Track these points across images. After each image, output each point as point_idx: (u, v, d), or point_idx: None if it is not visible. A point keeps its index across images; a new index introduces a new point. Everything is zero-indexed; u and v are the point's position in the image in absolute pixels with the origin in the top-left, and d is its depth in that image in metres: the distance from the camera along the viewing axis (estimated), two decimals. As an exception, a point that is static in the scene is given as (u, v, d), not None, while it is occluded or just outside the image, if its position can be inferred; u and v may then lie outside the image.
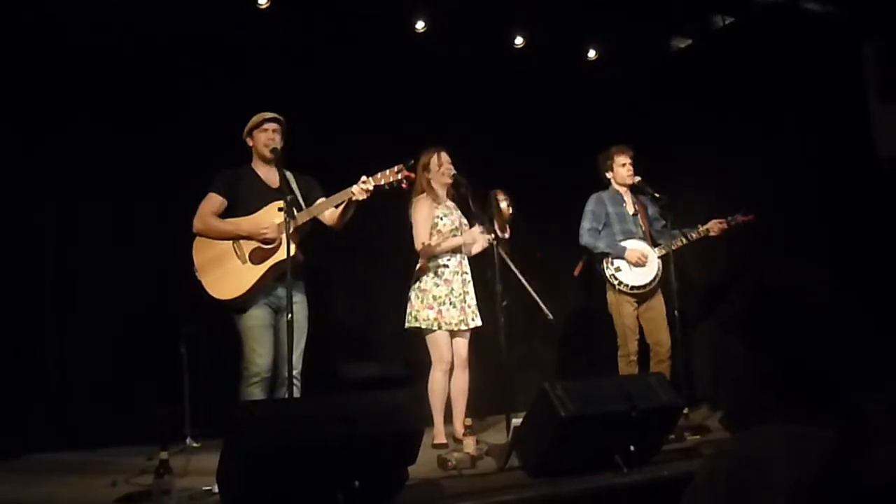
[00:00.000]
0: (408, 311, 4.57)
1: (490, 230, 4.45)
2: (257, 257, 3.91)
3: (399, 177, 3.78)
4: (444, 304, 4.51)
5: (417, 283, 4.56)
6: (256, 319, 3.89)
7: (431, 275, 4.54)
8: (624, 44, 6.27)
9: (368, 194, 3.80)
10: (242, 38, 5.38)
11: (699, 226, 5.13)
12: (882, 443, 1.09)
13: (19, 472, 4.25)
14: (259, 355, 3.85)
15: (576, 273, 5.34)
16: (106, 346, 5.12)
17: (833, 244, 5.03)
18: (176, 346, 4.79)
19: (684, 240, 5.07)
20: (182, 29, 5.16)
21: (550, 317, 4.56)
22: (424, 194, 4.61)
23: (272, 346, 3.90)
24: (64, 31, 4.97)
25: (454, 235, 4.58)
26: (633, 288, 5.00)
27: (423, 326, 4.51)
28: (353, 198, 3.81)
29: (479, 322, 4.60)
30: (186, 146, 5.14)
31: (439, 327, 4.49)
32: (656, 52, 6.43)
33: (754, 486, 1.12)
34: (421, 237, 4.52)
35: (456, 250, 4.60)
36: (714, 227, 5.11)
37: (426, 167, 4.64)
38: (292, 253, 3.66)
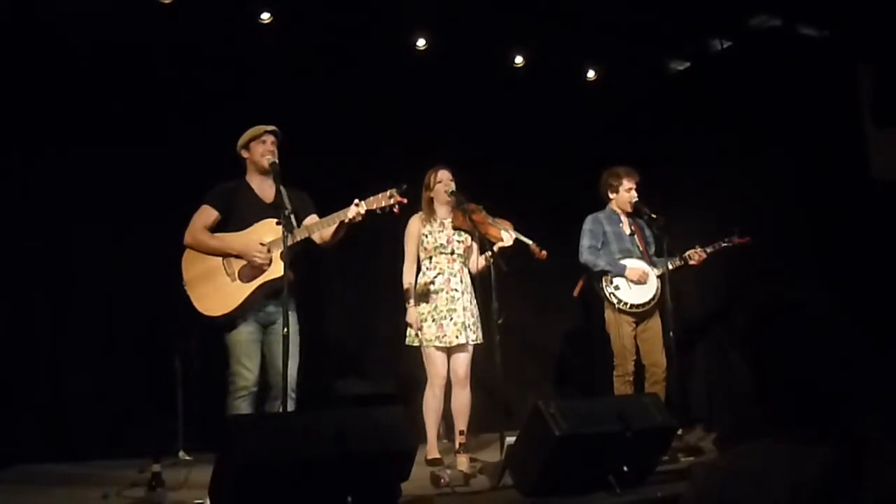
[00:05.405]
0: None
1: (488, 248, 4.45)
2: (247, 275, 3.88)
3: (391, 202, 3.75)
4: (427, 320, 4.58)
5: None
6: (245, 334, 3.88)
7: (419, 293, 4.65)
8: (623, 65, 6.31)
9: (361, 217, 3.80)
10: (242, 53, 5.41)
11: (697, 246, 5.11)
12: (877, 462, 1.09)
13: (8, 482, 4.22)
14: (247, 369, 3.84)
15: (576, 293, 5.31)
16: (99, 359, 5.10)
17: (830, 265, 5.05)
18: (169, 359, 4.77)
19: (679, 261, 5.08)
20: (182, 43, 5.19)
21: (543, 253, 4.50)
22: (419, 213, 4.70)
23: (258, 360, 3.89)
24: (59, 47, 4.99)
25: (441, 253, 4.65)
26: (632, 306, 5.00)
27: (406, 342, 4.64)
28: (347, 220, 3.81)
29: (462, 340, 4.56)
30: (181, 160, 5.14)
31: (420, 344, 4.57)
32: (655, 74, 6.47)
33: (748, 502, 1.12)
34: (406, 257, 4.70)
35: (444, 268, 4.63)
36: (694, 255, 5.08)
37: (427, 185, 4.73)
38: (286, 270, 3.67)
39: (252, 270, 3.88)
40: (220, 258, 3.92)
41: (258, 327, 3.92)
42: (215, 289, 3.87)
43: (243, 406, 3.81)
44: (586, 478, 3.33)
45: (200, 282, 3.89)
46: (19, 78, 4.90)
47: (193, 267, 3.93)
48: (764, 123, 5.61)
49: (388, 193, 3.77)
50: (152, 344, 5.02)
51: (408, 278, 4.67)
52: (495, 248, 4.44)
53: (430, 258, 4.68)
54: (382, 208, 3.78)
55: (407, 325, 4.64)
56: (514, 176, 6.17)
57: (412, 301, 4.61)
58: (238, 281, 3.88)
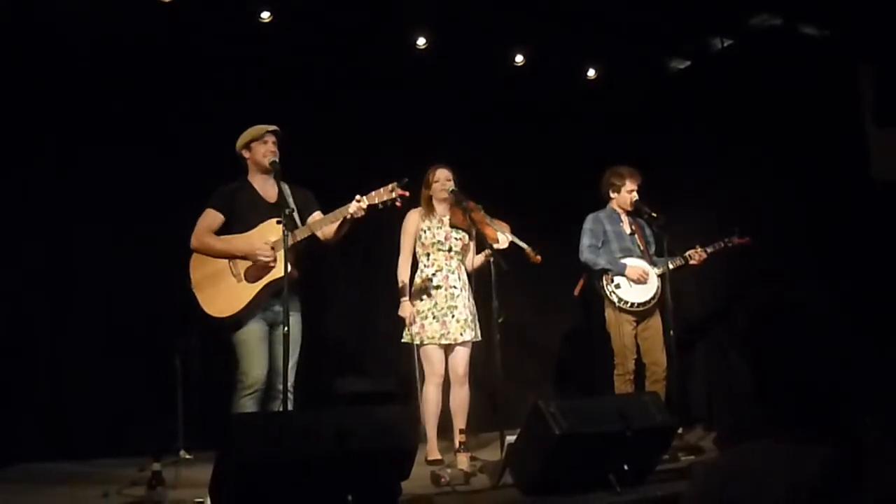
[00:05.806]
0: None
1: (486, 247, 4.45)
2: (252, 276, 3.89)
3: (393, 195, 3.75)
4: (427, 318, 4.57)
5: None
6: (252, 333, 3.89)
7: (417, 290, 4.64)
8: (623, 64, 6.31)
9: (364, 213, 3.80)
10: (242, 53, 5.40)
11: (698, 246, 5.12)
12: (877, 462, 1.10)
13: (9, 481, 4.22)
14: (255, 368, 3.85)
15: (576, 292, 5.30)
16: (99, 359, 5.09)
17: (830, 265, 5.05)
18: (170, 359, 4.76)
19: (680, 261, 5.08)
20: (182, 42, 5.18)
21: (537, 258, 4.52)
22: (417, 208, 4.70)
23: (267, 358, 3.90)
24: (59, 47, 4.99)
25: (439, 250, 4.66)
26: (632, 305, 5.00)
27: (406, 340, 4.63)
28: (349, 216, 3.82)
29: (468, 337, 4.59)
30: (181, 160, 5.14)
31: (422, 342, 4.55)
32: (655, 73, 6.47)
33: (748, 501, 1.12)
34: (402, 251, 4.71)
35: (442, 265, 4.63)
36: (694, 255, 5.10)
37: (427, 183, 4.73)
38: (288, 269, 3.67)
39: (258, 271, 3.89)
40: (227, 260, 3.93)
41: (265, 326, 3.93)
42: (222, 290, 3.89)
43: (249, 405, 3.83)
44: (586, 477, 3.33)
45: (207, 283, 3.91)
46: (19, 78, 4.90)
47: (200, 269, 3.95)
48: (764, 123, 5.61)
49: (389, 187, 3.77)
50: (152, 344, 5.02)
51: (404, 273, 4.66)
52: (493, 247, 4.44)
53: (428, 255, 4.69)
54: (384, 202, 3.78)
55: (401, 319, 4.64)
56: (514, 176, 6.17)
57: (407, 296, 4.60)
58: (244, 281, 3.89)
